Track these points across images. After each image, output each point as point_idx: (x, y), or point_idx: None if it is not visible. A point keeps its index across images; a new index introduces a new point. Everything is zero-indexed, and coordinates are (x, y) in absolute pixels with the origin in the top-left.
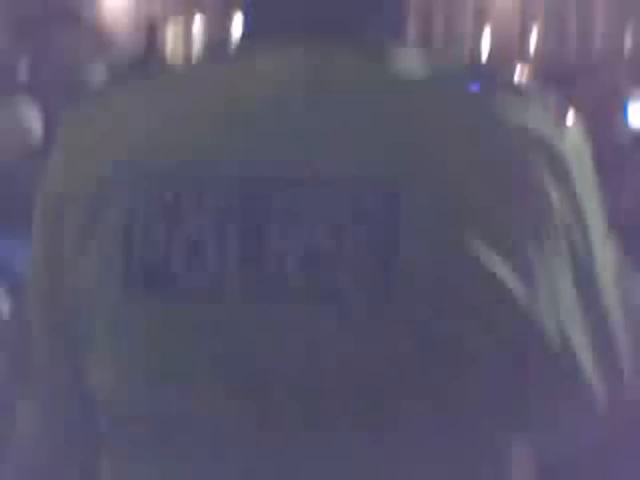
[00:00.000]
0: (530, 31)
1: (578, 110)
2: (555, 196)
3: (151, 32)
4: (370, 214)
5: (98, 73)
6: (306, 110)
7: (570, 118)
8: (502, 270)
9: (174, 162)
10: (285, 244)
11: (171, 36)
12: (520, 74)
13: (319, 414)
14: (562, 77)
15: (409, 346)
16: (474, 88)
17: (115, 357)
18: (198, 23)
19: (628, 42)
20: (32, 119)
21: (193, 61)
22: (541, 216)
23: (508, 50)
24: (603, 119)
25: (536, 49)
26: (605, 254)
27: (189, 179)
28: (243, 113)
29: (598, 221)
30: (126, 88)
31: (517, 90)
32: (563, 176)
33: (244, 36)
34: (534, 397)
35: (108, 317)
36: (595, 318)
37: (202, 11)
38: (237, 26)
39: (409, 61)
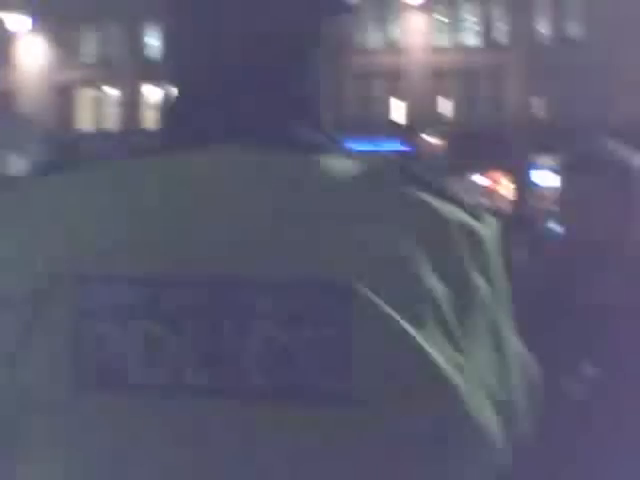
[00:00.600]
0: (443, 97)
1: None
2: (480, 280)
3: (63, 100)
4: (324, 312)
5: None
6: (251, 208)
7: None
8: (442, 352)
9: (121, 260)
10: (241, 340)
11: (82, 104)
12: (431, 139)
13: None
14: (471, 142)
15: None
16: (406, 185)
17: (54, 455)
18: (109, 93)
19: (535, 111)
20: None
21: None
22: (469, 298)
23: (422, 114)
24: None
25: (449, 115)
26: (513, 337)
27: (140, 278)
28: (185, 211)
29: (509, 303)
30: (57, 182)
31: (441, 189)
32: (485, 262)
33: (168, 130)
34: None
35: (52, 415)
36: (505, 388)
37: (113, 82)
38: (147, 98)
39: (339, 158)
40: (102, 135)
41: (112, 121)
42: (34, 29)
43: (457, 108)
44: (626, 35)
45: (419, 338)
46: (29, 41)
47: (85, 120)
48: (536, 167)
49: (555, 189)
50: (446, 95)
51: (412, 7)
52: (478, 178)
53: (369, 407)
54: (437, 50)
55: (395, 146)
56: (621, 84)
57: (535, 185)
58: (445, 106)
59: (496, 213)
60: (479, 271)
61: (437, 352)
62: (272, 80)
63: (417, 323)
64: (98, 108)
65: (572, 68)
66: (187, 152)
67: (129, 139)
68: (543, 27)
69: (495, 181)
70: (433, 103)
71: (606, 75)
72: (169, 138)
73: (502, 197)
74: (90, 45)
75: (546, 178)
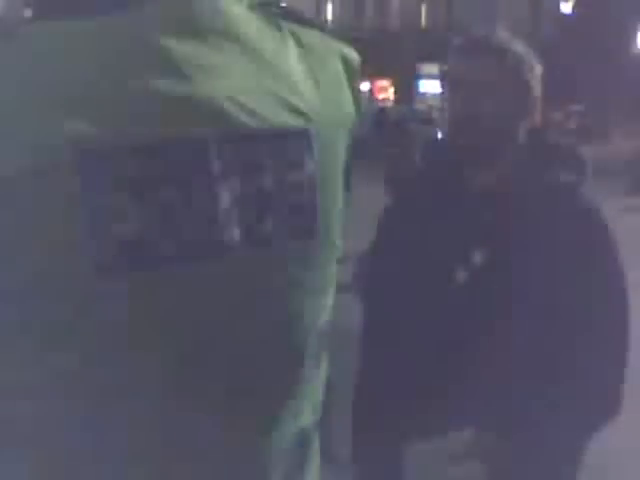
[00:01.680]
0: (327, 1)
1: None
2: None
3: None
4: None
5: None
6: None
7: None
8: None
9: (127, 130)
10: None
11: None
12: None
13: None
14: (359, 50)
15: None
16: None
17: (83, 338)
18: None
19: (424, 18)
20: None
21: None
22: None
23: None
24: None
25: (333, 18)
26: None
27: (144, 145)
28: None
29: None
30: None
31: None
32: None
33: None
34: None
35: (78, 299)
36: None
37: None
38: None
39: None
40: None
41: None
42: None
43: (341, 13)
44: None
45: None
46: None
47: None
48: (421, 76)
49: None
50: None
51: None
52: (363, 84)
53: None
54: None
55: None
56: None
57: (423, 93)
58: (329, 11)
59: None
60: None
61: None
62: None
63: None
64: None
65: None
66: (136, 10)
67: None
68: None
69: (380, 88)
70: (317, 7)
71: None
72: None
73: (387, 103)
74: None
75: (432, 86)
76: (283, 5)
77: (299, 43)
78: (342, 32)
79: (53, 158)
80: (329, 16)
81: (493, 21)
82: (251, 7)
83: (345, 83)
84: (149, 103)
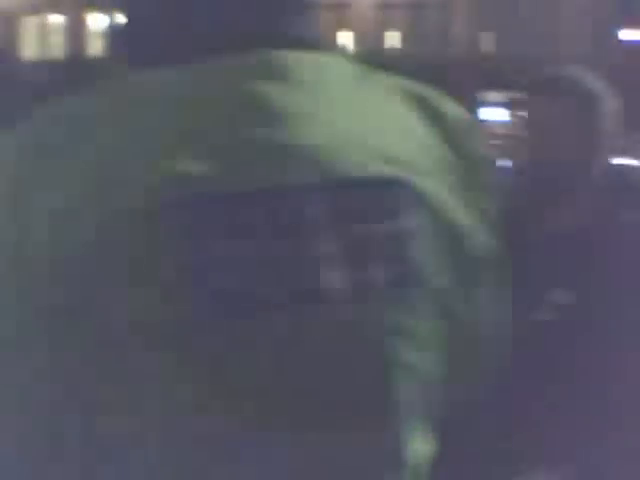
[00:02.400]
0: (391, 29)
1: None
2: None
3: (7, 28)
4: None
5: None
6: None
7: None
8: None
9: (217, 177)
10: (331, 241)
11: (26, 33)
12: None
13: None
14: (421, 76)
15: None
16: None
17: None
18: (53, 21)
19: (483, 46)
20: None
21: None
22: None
23: (369, 46)
24: None
25: (396, 48)
26: None
27: (246, 193)
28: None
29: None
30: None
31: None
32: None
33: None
34: None
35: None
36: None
37: (57, 9)
38: (94, 25)
39: (336, 54)
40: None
41: (57, 49)
42: None
43: (404, 40)
44: None
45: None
46: None
47: (30, 48)
48: (485, 103)
49: (504, 125)
50: (394, 27)
51: None
52: None
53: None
54: None
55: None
56: (567, 19)
57: (484, 121)
58: (393, 39)
59: None
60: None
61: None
62: None
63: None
64: (43, 36)
65: (522, 2)
66: (238, 58)
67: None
68: None
69: None
70: (380, 35)
71: (554, 9)
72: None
73: None
74: None
75: (494, 114)
76: (373, 54)
77: (391, 91)
78: (404, 60)
79: (152, 204)
80: (392, 43)
81: (554, 48)
82: (345, 57)
83: (433, 128)
84: (247, 151)
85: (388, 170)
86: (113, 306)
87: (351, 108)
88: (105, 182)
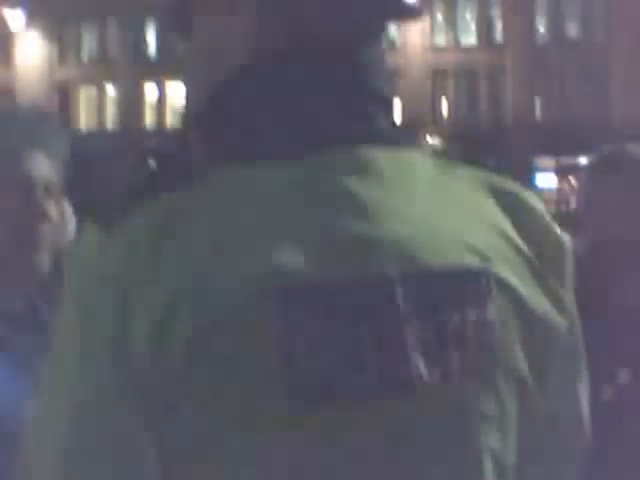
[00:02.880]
0: (442, 94)
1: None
2: None
3: (64, 97)
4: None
5: None
6: (415, 203)
7: None
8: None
9: (322, 269)
10: (429, 331)
11: (83, 102)
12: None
13: None
14: (473, 144)
15: None
16: None
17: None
18: (109, 91)
19: (538, 112)
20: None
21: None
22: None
23: (420, 113)
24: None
25: (448, 113)
26: None
27: (339, 285)
28: (366, 211)
29: None
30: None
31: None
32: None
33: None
34: None
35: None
36: None
37: (113, 80)
38: (149, 95)
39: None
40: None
41: (113, 119)
42: (34, 26)
43: (455, 108)
44: (623, 36)
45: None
46: (29, 38)
47: (85, 118)
48: (537, 169)
49: (557, 191)
50: (444, 94)
51: None
52: None
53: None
54: (435, 49)
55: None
56: (618, 84)
57: (536, 188)
58: (443, 106)
59: None
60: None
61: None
62: (366, 79)
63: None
64: (99, 106)
65: (571, 68)
66: (329, 154)
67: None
68: (541, 26)
69: None
70: (431, 102)
71: (604, 75)
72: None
73: None
74: (90, 42)
75: (547, 180)
76: (447, 150)
77: (470, 183)
78: (457, 127)
79: (256, 297)
80: (444, 111)
81: (606, 111)
82: (427, 152)
83: (509, 218)
84: (341, 245)
85: (469, 259)
86: (210, 402)
87: (434, 201)
88: (207, 276)
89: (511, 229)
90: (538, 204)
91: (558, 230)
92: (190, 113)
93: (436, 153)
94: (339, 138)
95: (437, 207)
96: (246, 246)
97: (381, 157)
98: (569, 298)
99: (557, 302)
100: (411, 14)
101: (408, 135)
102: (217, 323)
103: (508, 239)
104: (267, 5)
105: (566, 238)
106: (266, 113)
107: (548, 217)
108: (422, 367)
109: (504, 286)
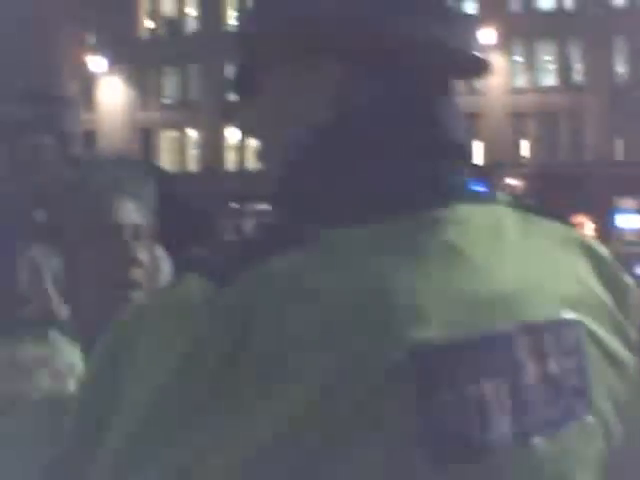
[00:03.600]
0: (522, 136)
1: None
2: None
3: (146, 140)
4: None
5: None
6: (515, 258)
7: None
8: None
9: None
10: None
11: (165, 147)
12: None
13: None
14: (554, 185)
15: None
16: None
17: None
18: (191, 134)
19: (618, 152)
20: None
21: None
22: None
23: (501, 155)
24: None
25: (528, 155)
26: None
27: (462, 344)
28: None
29: None
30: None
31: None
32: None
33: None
34: None
35: None
36: None
37: (194, 123)
38: (230, 139)
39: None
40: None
41: (194, 162)
42: (116, 71)
43: (536, 149)
44: None
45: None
46: (111, 83)
47: (167, 161)
48: (618, 209)
49: (638, 231)
50: (525, 136)
51: (489, 47)
52: None
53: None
54: (515, 91)
55: (477, 188)
56: None
57: (617, 228)
58: (524, 147)
59: None
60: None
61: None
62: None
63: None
64: (180, 149)
65: None
66: (429, 211)
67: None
68: (621, 67)
69: (577, 224)
70: (512, 144)
71: None
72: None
73: None
74: (171, 86)
75: (628, 220)
76: (530, 202)
77: (553, 236)
78: (537, 169)
79: (386, 362)
80: (524, 153)
81: None
82: (509, 205)
83: (589, 268)
84: (458, 303)
85: (564, 311)
86: (338, 467)
87: (524, 254)
88: (332, 337)
89: (593, 279)
90: (607, 252)
91: (625, 275)
92: (272, 176)
93: (514, 204)
94: (430, 197)
95: (528, 260)
96: (368, 310)
97: (474, 213)
98: (637, 337)
99: (631, 345)
100: (484, 72)
101: (488, 186)
102: (339, 388)
103: (591, 290)
104: (348, 66)
105: (630, 280)
106: (359, 175)
107: (613, 260)
108: (537, 417)
109: (592, 335)
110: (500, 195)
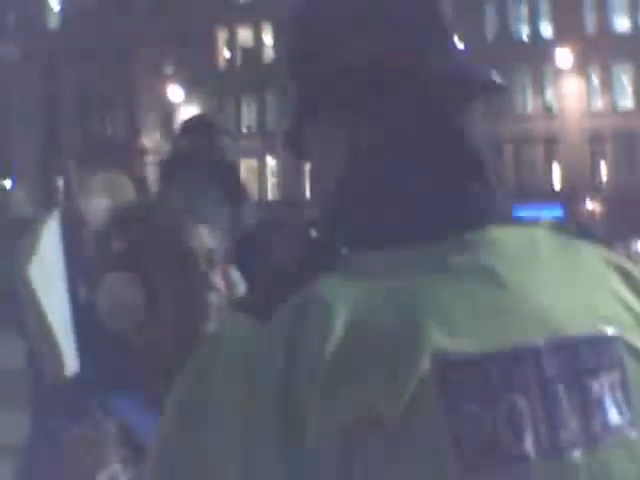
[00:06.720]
0: (600, 160)
1: None
2: None
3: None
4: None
5: None
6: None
7: None
8: None
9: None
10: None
11: (244, 173)
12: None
13: None
14: (633, 205)
15: None
16: None
17: None
18: (269, 161)
19: None
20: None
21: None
22: None
23: (579, 179)
24: None
25: (607, 179)
26: None
27: (494, 358)
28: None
29: None
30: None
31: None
32: None
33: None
34: None
35: None
36: None
37: (273, 150)
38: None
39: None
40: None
41: (273, 190)
42: (192, 99)
43: (614, 172)
44: None
45: None
46: (188, 111)
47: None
48: None
49: None
50: (603, 159)
51: (565, 71)
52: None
53: None
54: (592, 114)
55: (555, 212)
56: None
57: None
58: (602, 170)
59: None
60: None
61: None
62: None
63: None
64: (259, 177)
65: None
66: (459, 234)
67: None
68: None
69: None
70: (591, 168)
71: None
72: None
73: None
74: (249, 114)
75: None
76: (569, 223)
77: (590, 256)
78: (616, 191)
79: (417, 377)
80: (603, 176)
81: None
82: (545, 228)
83: (628, 286)
84: (491, 319)
85: (602, 327)
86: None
87: (561, 273)
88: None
89: (631, 298)
90: (637, 269)
91: None
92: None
93: (555, 228)
94: (460, 220)
95: (562, 278)
96: (400, 326)
97: (508, 234)
98: None
99: None
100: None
101: (566, 211)
102: (375, 407)
103: (630, 308)
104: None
105: None
106: (396, 200)
107: None
108: (572, 431)
109: (632, 350)
110: (542, 220)
